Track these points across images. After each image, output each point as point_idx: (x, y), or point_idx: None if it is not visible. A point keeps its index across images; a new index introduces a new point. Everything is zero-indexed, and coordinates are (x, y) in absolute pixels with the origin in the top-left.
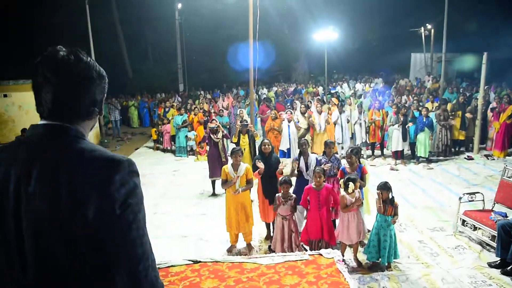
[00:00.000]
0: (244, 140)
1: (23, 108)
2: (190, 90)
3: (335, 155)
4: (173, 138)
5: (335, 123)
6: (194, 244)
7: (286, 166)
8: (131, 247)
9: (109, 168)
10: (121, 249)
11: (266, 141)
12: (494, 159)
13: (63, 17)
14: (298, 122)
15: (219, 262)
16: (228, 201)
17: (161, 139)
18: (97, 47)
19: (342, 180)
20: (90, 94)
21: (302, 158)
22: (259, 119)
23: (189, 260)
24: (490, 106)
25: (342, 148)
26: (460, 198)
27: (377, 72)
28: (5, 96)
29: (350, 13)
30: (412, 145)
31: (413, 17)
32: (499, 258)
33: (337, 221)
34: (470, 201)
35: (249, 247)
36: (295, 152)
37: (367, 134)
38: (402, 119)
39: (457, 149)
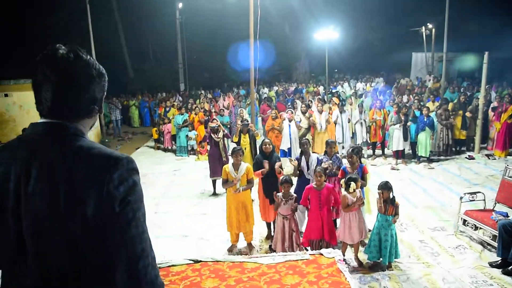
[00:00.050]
0: (245, 140)
1: (24, 108)
2: (191, 89)
3: (336, 154)
4: (173, 138)
5: (335, 123)
6: (195, 243)
7: (286, 166)
8: (131, 245)
9: (107, 166)
10: (121, 247)
11: (267, 140)
12: (495, 159)
13: (63, 17)
14: (300, 121)
15: (220, 261)
16: (229, 200)
17: (162, 139)
18: (98, 46)
19: (343, 179)
20: (90, 92)
21: (303, 157)
22: (260, 118)
23: (189, 260)
24: (491, 105)
25: (343, 147)
26: (461, 198)
27: (378, 72)
28: (6, 95)
29: (351, 12)
30: (413, 145)
31: (414, 17)
32: (500, 258)
33: (338, 221)
34: (471, 200)
35: (250, 246)
36: (296, 151)
37: (368, 134)
38: (403, 118)
39: (458, 148)
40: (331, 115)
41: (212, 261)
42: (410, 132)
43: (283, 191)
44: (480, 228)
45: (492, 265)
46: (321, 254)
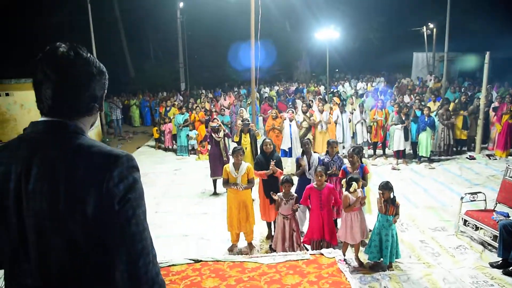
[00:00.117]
0: (246, 139)
1: (25, 107)
2: (192, 89)
3: (338, 154)
4: (174, 137)
5: (336, 122)
6: (195, 243)
7: (287, 167)
8: (131, 243)
9: (107, 164)
10: (121, 245)
11: (267, 140)
12: (496, 159)
13: (63, 17)
14: (303, 121)
15: (220, 261)
16: (230, 200)
17: (163, 138)
18: (98, 46)
19: (344, 180)
20: (90, 90)
21: (305, 157)
22: (261, 118)
23: (190, 259)
24: (492, 105)
25: (343, 147)
26: (462, 198)
27: (379, 71)
28: (7, 95)
29: (351, 12)
30: (414, 145)
31: (415, 16)
32: (500, 258)
33: (339, 221)
34: (472, 201)
35: (250, 246)
36: (297, 151)
37: (368, 134)
38: (404, 118)
39: (459, 148)
40: (332, 115)
41: (212, 261)
42: (411, 132)
43: (283, 190)
44: (481, 228)
45: (492, 265)
46: (322, 254)
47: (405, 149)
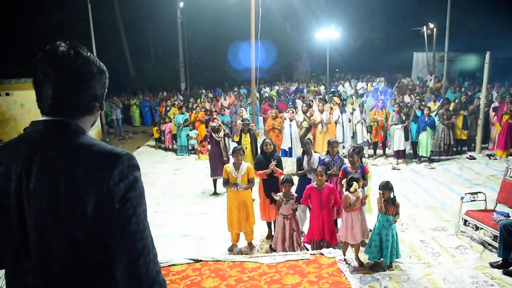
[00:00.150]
0: (246, 139)
1: (25, 107)
2: (192, 88)
3: (338, 154)
4: (174, 137)
5: (336, 122)
6: (195, 243)
7: (288, 167)
8: (131, 242)
9: (108, 163)
10: (121, 244)
11: (267, 140)
12: (496, 159)
13: (63, 17)
14: (303, 121)
15: (220, 261)
16: (230, 200)
17: (163, 138)
18: (99, 46)
19: (344, 179)
20: (91, 89)
21: (305, 157)
22: (261, 118)
23: (190, 259)
24: (492, 105)
25: (344, 147)
26: (462, 198)
27: (379, 71)
28: (7, 94)
29: (352, 12)
30: (414, 145)
31: (415, 16)
32: (501, 258)
33: (339, 221)
34: (472, 201)
35: (250, 246)
36: (297, 151)
37: (369, 134)
38: (404, 118)
39: (459, 148)
40: (332, 114)
41: (212, 261)
42: (411, 132)
43: (283, 190)
44: (481, 228)
45: (493, 265)
46: (322, 254)
47: (405, 149)
